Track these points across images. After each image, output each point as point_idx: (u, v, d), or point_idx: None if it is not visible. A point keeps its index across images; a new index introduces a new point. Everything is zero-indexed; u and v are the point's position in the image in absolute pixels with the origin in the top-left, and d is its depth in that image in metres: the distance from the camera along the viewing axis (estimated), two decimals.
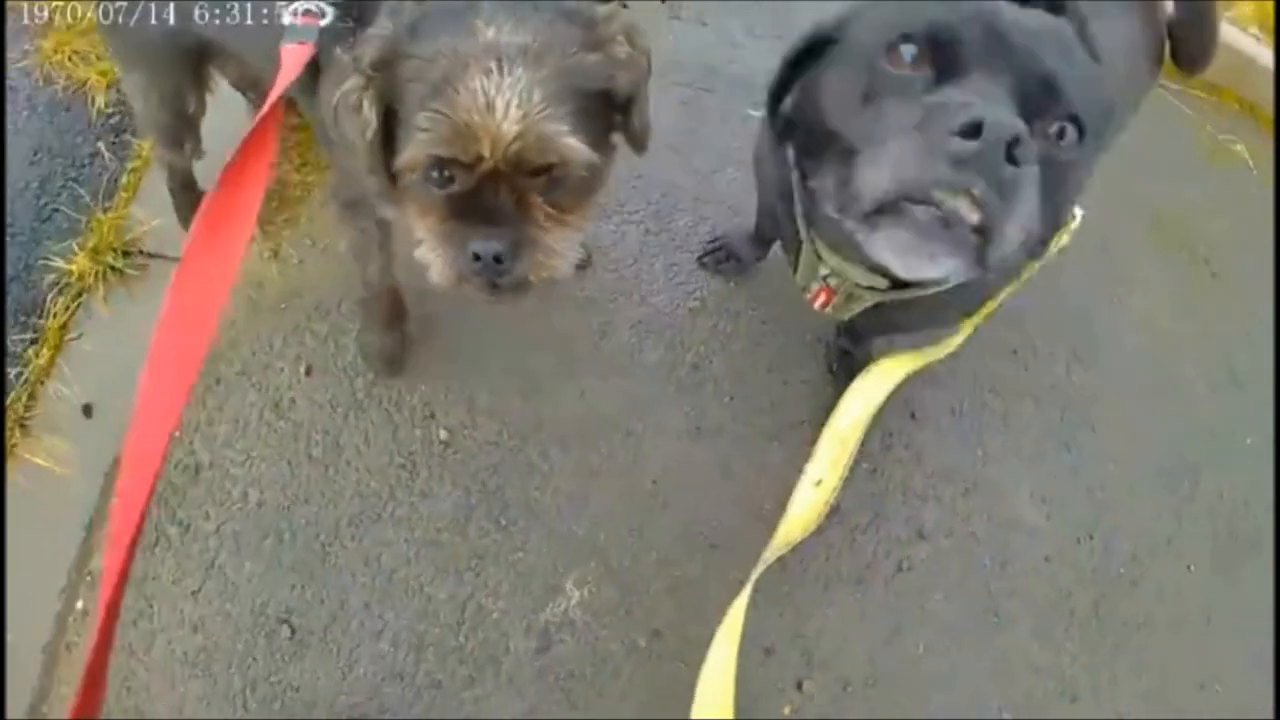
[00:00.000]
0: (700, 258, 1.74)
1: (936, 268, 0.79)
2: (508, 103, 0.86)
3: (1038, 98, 0.77)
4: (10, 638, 1.38)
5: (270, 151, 0.93)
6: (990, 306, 1.29)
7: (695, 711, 1.01)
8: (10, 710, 1.38)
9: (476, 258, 0.93)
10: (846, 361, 1.67)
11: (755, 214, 1.56)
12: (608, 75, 0.93)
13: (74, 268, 1.65)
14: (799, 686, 1.51)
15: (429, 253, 0.98)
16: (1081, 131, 0.79)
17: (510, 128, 0.86)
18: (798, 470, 1.43)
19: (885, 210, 0.76)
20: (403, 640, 1.46)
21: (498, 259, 0.93)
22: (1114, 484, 1.77)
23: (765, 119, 0.88)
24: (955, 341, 1.46)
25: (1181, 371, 1.92)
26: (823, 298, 1.19)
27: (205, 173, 1.63)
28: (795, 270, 1.22)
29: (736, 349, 1.69)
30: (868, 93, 0.81)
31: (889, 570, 1.60)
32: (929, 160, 0.72)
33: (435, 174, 0.92)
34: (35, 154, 1.83)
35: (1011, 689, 1.58)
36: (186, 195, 1.65)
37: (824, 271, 1.13)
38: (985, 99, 0.73)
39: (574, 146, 0.89)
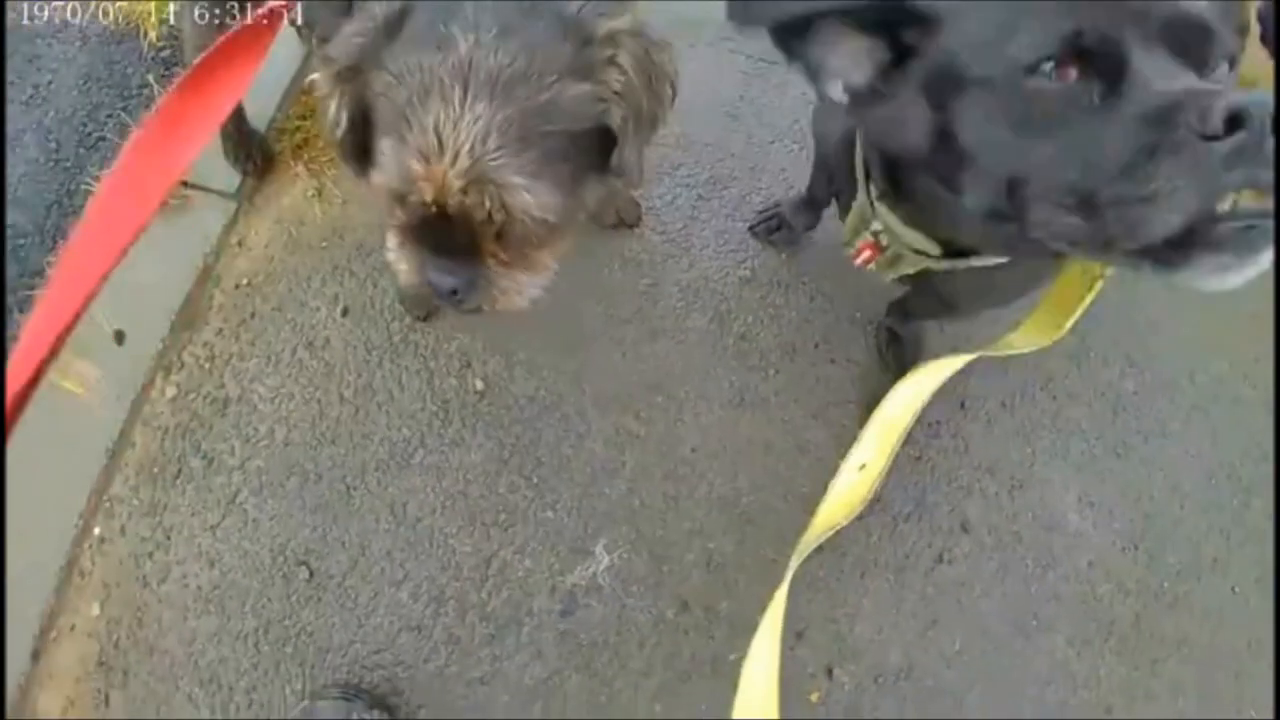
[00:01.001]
0: (752, 226, 1.68)
1: (1261, 265, 0.69)
2: (459, 146, 0.78)
3: (1196, 46, 0.69)
4: (24, 559, 1.35)
5: (258, 55, 0.80)
6: (1077, 308, 1.20)
7: (737, 711, 0.95)
8: (19, 631, 1.36)
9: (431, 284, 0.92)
10: (896, 345, 1.61)
11: (809, 179, 1.50)
12: (596, 112, 0.82)
13: None
14: (829, 673, 1.45)
15: (396, 261, 0.95)
16: (1232, 65, 0.72)
17: (457, 177, 0.79)
18: (839, 451, 1.35)
19: (1182, 242, 0.66)
20: (423, 592, 1.42)
21: (452, 290, 0.91)
22: (1163, 496, 1.70)
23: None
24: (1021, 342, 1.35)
25: (1239, 390, 1.85)
26: (866, 253, 1.12)
27: (252, 105, 1.60)
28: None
29: (785, 322, 1.64)
30: (1023, 119, 0.70)
31: (929, 562, 1.54)
32: (1203, 176, 0.63)
33: (396, 202, 0.87)
34: (84, 83, 1.82)
35: (1046, 697, 1.52)
36: (230, 125, 1.62)
37: (876, 227, 1.07)
38: (1166, 75, 0.65)
39: (527, 202, 0.81)
